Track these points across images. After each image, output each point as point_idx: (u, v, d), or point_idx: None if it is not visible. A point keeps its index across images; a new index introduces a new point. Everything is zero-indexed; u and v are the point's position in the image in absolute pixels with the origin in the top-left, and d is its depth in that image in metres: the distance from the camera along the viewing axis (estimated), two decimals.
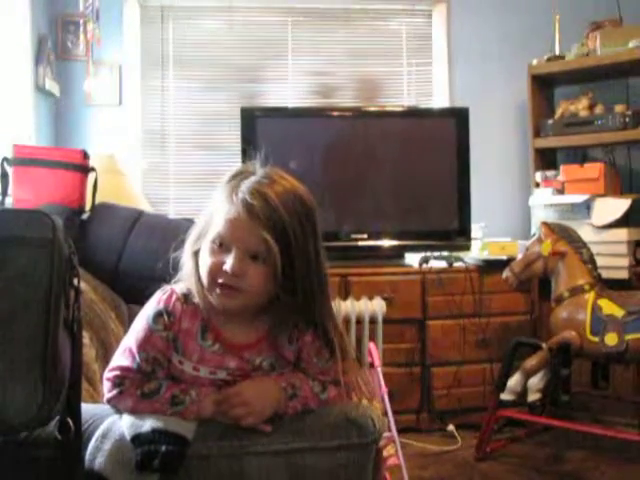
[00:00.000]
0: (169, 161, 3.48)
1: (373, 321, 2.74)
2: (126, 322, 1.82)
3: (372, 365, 2.21)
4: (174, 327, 1.08)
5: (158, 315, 1.07)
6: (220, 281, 1.04)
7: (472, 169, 3.03)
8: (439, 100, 3.56)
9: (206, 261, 1.05)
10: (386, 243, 2.99)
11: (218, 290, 1.04)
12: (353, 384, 1.18)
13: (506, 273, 2.66)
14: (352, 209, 3.02)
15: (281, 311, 1.08)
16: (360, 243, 2.96)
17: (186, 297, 1.09)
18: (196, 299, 1.08)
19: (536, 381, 2.48)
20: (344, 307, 2.70)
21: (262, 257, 1.03)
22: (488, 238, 3.10)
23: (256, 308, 1.09)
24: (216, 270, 1.04)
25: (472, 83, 3.54)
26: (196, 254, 1.08)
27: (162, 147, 3.48)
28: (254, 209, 1.01)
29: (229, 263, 1.03)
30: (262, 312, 1.10)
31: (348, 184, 3.03)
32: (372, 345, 2.30)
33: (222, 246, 1.04)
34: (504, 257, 2.89)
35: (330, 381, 1.12)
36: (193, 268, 1.08)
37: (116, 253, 1.80)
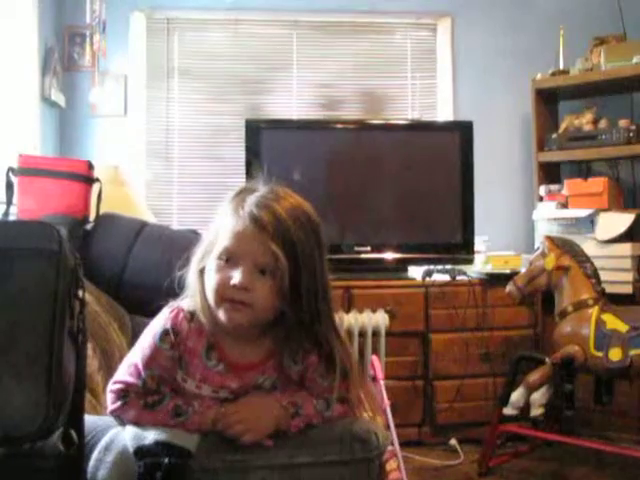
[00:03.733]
0: (173, 172, 3.49)
1: (376, 334, 2.73)
2: (129, 333, 1.81)
3: (375, 378, 2.20)
4: (180, 346, 1.07)
5: (165, 333, 1.07)
6: (228, 297, 1.03)
7: (476, 182, 3.03)
8: (443, 113, 3.57)
9: (213, 278, 1.05)
10: (389, 256, 2.98)
11: (227, 305, 1.04)
12: (357, 399, 1.18)
13: (509, 287, 2.65)
14: (355, 221, 3.02)
15: (286, 329, 1.08)
16: (363, 256, 2.96)
17: (192, 315, 1.09)
18: (201, 317, 1.08)
19: (539, 396, 2.46)
20: (347, 320, 2.70)
21: (270, 271, 1.03)
22: (491, 252, 3.10)
23: (262, 326, 1.08)
24: (223, 286, 1.03)
25: (476, 97, 3.55)
26: (202, 272, 1.08)
27: (166, 158, 3.50)
28: (262, 221, 1.01)
29: (237, 277, 1.02)
30: (267, 331, 1.09)
31: (352, 196, 3.03)
32: (375, 358, 2.29)
33: (229, 261, 1.04)
34: (507, 271, 2.88)
35: (335, 398, 1.11)
36: (199, 287, 1.07)
37: (120, 264, 1.80)
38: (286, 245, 1.01)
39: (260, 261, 1.03)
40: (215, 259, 1.05)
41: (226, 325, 1.06)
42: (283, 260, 1.01)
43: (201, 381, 1.09)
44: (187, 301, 1.11)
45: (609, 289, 2.60)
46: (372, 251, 2.97)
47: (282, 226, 1.02)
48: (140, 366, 1.07)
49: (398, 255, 2.98)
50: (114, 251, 1.82)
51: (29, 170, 1.91)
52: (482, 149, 3.18)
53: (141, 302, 1.77)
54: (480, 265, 3.03)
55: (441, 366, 2.86)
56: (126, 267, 1.78)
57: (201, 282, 1.08)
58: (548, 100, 3.34)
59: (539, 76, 3.26)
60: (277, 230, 1.01)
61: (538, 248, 2.70)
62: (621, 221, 2.83)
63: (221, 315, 1.05)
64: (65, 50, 3.35)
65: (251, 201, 1.04)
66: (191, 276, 1.10)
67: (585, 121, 3.16)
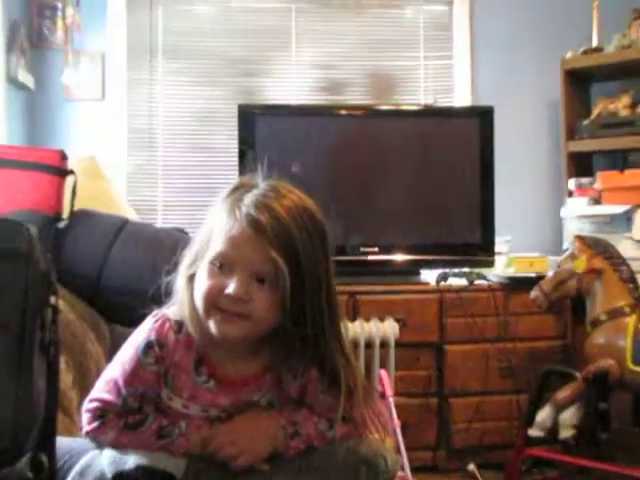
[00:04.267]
0: (157, 164, 3.49)
1: (384, 345, 2.73)
2: (107, 345, 1.82)
3: (383, 395, 2.21)
4: (166, 360, 1.08)
5: (149, 346, 1.07)
6: (221, 306, 1.03)
7: (497, 175, 3.02)
8: (460, 98, 3.57)
9: (204, 284, 1.04)
10: (399, 258, 2.98)
11: (218, 316, 1.04)
12: (364, 418, 1.18)
13: (535, 293, 2.65)
14: (362, 219, 3.02)
15: (286, 343, 1.08)
16: (370, 257, 2.95)
17: (180, 326, 1.09)
18: (189, 328, 1.08)
19: (569, 416, 2.46)
20: (352, 329, 2.70)
21: (269, 279, 1.03)
22: (514, 253, 3.09)
23: (258, 339, 1.08)
24: (215, 293, 1.03)
25: (498, 79, 3.55)
26: (191, 279, 1.08)
27: (150, 148, 3.50)
28: (261, 224, 1.01)
29: (232, 286, 1.02)
30: (264, 343, 1.10)
31: (357, 191, 3.03)
32: (383, 372, 2.29)
33: (223, 267, 1.04)
34: (532, 274, 2.88)
35: (339, 417, 1.11)
36: (187, 295, 1.07)
37: (97, 266, 1.80)
38: (288, 251, 1.01)
39: (258, 269, 1.03)
40: (207, 264, 1.05)
41: (217, 338, 1.05)
42: (284, 268, 1.01)
43: (189, 399, 1.09)
44: (174, 309, 1.11)
45: None
46: (380, 252, 2.96)
47: (284, 230, 1.02)
48: (120, 382, 1.07)
49: (409, 257, 2.98)
50: (90, 252, 1.82)
51: None
52: (504, 138, 3.17)
53: (121, 310, 1.78)
54: (501, 268, 3.02)
55: (458, 381, 2.86)
56: (104, 270, 1.79)
57: (190, 289, 1.07)
58: (579, 82, 3.33)
59: (569, 55, 3.25)
60: (278, 234, 1.01)
61: (567, 249, 2.70)
62: None
63: (212, 327, 1.05)
64: (33, 24, 3.34)
65: (249, 200, 1.04)
66: (179, 282, 1.10)
67: (621, 105, 3.16)
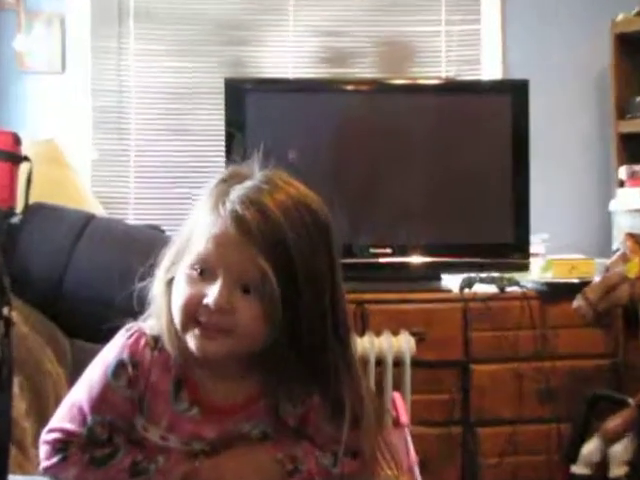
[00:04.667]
0: (129, 149, 3.49)
1: (399, 363, 2.74)
2: (68, 363, 1.82)
3: (397, 423, 2.20)
4: (140, 383, 1.07)
5: (121, 366, 1.07)
6: (200, 319, 1.03)
7: (532, 162, 3.02)
8: (489, 70, 3.57)
9: (181, 293, 1.04)
10: (416, 260, 2.98)
11: (197, 330, 1.03)
12: (374, 452, 1.18)
13: (578, 302, 2.64)
14: (371, 215, 3.03)
15: (282, 362, 1.07)
16: (382, 260, 2.96)
17: (157, 342, 1.08)
18: (167, 344, 1.07)
19: (621, 449, 2.46)
20: (360, 344, 2.70)
21: (257, 289, 1.02)
22: (553, 254, 3.09)
23: (248, 358, 1.08)
24: (194, 304, 1.03)
25: (533, 47, 3.55)
26: (170, 284, 1.07)
27: (119, 130, 3.50)
28: (246, 223, 1.00)
29: (212, 295, 1.01)
30: (256, 364, 1.09)
31: (366, 182, 3.03)
32: (397, 396, 2.29)
33: (204, 273, 1.03)
34: (575, 280, 2.89)
35: (345, 451, 1.10)
36: (165, 304, 1.07)
37: (58, 270, 1.81)
38: (278, 256, 1.00)
39: (243, 276, 1.02)
40: (186, 268, 1.04)
41: (198, 356, 1.05)
42: (272, 277, 1.00)
43: (168, 430, 1.08)
44: (150, 322, 1.11)
45: None
46: (393, 254, 2.96)
47: (274, 229, 1.00)
48: (86, 409, 1.07)
49: (428, 259, 2.98)
50: (50, 253, 1.82)
51: None
52: (541, 117, 3.17)
53: (86, 322, 1.78)
54: (538, 272, 3.03)
55: (486, 407, 2.86)
56: (66, 275, 1.79)
57: (168, 296, 1.07)
58: (633, 50, 3.32)
59: (621, 17, 3.25)
60: (266, 235, 1.00)
61: (617, 249, 2.70)
62: None
63: (190, 342, 1.04)
64: None
65: (236, 194, 1.03)
66: (156, 289, 1.09)
67: None
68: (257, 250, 1.00)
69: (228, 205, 1.02)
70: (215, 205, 1.03)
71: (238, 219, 1.00)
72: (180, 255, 1.07)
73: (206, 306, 1.01)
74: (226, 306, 1.01)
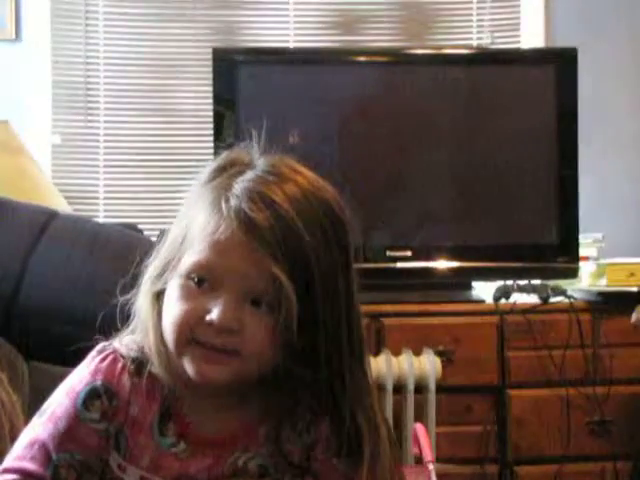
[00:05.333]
0: (98, 132, 3.50)
1: (421, 389, 2.73)
2: (25, 389, 1.82)
3: (420, 460, 2.20)
4: (118, 415, 1.07)
5: (93, 395, 1.07)
6: (200, 339, 1.03)
7: (581, 148, 3.01)
8: (528, 37, 3.58)
9: (176, 308, 1.04)
10: (441, 265, 2.99)
11: (197, 351, 1.03)
12: None
13: (638, 315, 2.64)
14: (388, 211, 3.02)
15: (288, 387, 1.08)
16: (400, 265, 2.96)
17: (139, 365, 1.09)
18: (155, 367, 1.07)
19: None
20: (375, 367, 2.69)
21: (268, 302, 1.02)
22: (607, 258, 3.09)
23: (250, 383, 1.08)
24: (192, 322, 1.03)
25: (582, 9, 3.55)
26: (158, 298, 1.07)
27: (86, 110, 3.51)
28: (257, 225, 1.00)
29: (217, 311, 1.01)
30: (257, 386, 1.09)
31: (382, 171, 3.03)
32: (420, 428, 2.28)
33: (204, 284, 1.03)
34: (634, 289, 2.88)
35: None
36: (153, 321, 1.07)
37: (13, 278, 1.81)
38: (295, 263, 1.00)
39: (253, 287, 1.02)
40: (181, 278, 1.04)
41: (195, 382, 1.05)
42: (290, 288, 1.00)
43: (151, 469, 1.08)
44: (129, 341, 1.11)
45: None
46: (414, 257, 2.96)
47: (290, 232, 1.00)
48: (50, 445, 1.06)
49: (455, 263, 2.98)
50: (2, 259, 1.82)
51: None
52: (592, 93, 3.17)
53: (46, 341, 1.77)
54: (589, 280, 3.03)
55: (527, 441, 2.85)
56: (23, 284, 1.79)
57: (157, 312, 1.07)
58: None
59: None
60: (281, 239, 1.00)
61: None
62: None
63: (187, 367, 1.04)
64: None
65: (240, 188, 1.02)
66: (140, 302, 1.09)
67: None
68: (270, 257, 0.99)
69: (233, 202, 1.01)
70: (216, 202, 1.03)
71: (246, 220, 1.00)
72: (171, 262, 1.06)
73: (209, 324, 1.01)
74: (234, 325, 1.01)
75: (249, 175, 1.04)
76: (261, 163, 1.07)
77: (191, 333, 1.03)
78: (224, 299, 1.01)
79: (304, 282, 1.01)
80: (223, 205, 1.02)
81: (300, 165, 1.08)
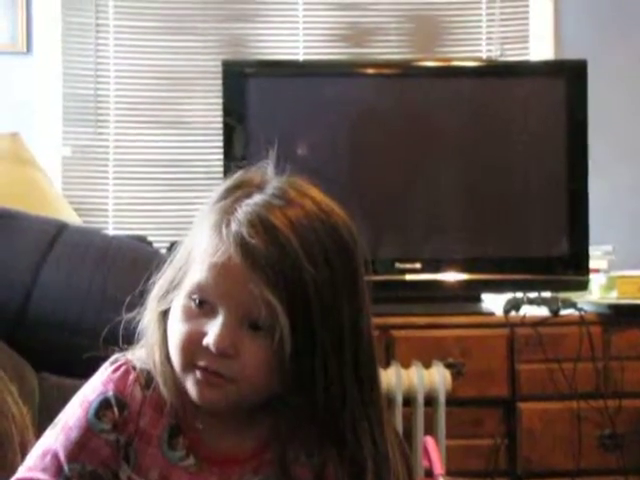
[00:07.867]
0: (108, 144, 3.51)
1: (431, 402, 2.73)
2: (35, 401, 1.81)
3: (430, 473, 2.20)
4: (128, 426, 1.07)
5: (105, 406, 1.07)
6: (200, 363, 1.02)
7: (591, 159, 3.01)
8: (538, 49, 3.59)
9: (178, 328, 1.04)
10: (451, 277, 2.99)
11: (198, 374, 1.02)
12: None
13: None
14: (397, 223, 3.03)
15: (295, 410, 1.07)
16: (409, 277, 2.96)
17: (150, 378, 1.08)
18: (163, 385, 1.07)
19: None
20: (384, 379, 2.69)
21: (266, 326, 1.01)
22: (617, 270, 3.09)
23: (254, 405, 1.08)
24: (193, 344, 1.02)
25: (591, 22, 3.55)
26: (165, 316, 1.07)
27: (96, 123, 3.51)
28: (253, 251, 0.99)
29: (212, 335, 1.00)
30: (265, 407, 1.09)
31: (391, 183, 3.03)
32: (430, 441, 2.29)
33: (204, 305, 1.03)
34: None
35: None
36: (159, 339, 1.07)
37: (22, 290, 1.80)
38: (292, 291, 0.99)
39: (250, 312, 1.01)
40: (184, 298, 1.04)
41: (198, 403, 1.05)
42: (284, 318, 0.99)
43: None
44: (141, 353, 1.11)
45: None
46: (423, 270, 2.97)
47: (287, 259, 0.99)
48: (62, 457, 1.06)
49: (465, 276, 2.99)
50: (13, 270, 1.82)
51: None
52: (602, 105, 3.16)
53: (56, 351, 1.77)
54: (599, 292, 3.02)
55: (537, 455, 2.85)
56: (33, 296, 1.78)
57: (163, 331, 1.07)
58: None
59: None
60: (278, 265, 0.99)
61: None
62: None
63: (190, 388, 1.04)
64: None
65: (244, 212, 1.01)
66: (148, 319, 1.09)
67: None
68: (264, 283, 0.98)
69: (233, 226, 1.00)
70: (217, 225, 1.02)
71: (244, 246, 0.99)
72: (176, 281, 1.06)
73: (206, 348, 1.01)
74: (229, 350, 1.01)
75: (255, 199, 1.03)
76: (270, 186, 1.05)
77: (192, 357, 1.02)
78: (221, 322, 1.01)
79: (302, 310, 1.00)
80: (223, 229, 1.01)
81: (311, 187, 1.07)
